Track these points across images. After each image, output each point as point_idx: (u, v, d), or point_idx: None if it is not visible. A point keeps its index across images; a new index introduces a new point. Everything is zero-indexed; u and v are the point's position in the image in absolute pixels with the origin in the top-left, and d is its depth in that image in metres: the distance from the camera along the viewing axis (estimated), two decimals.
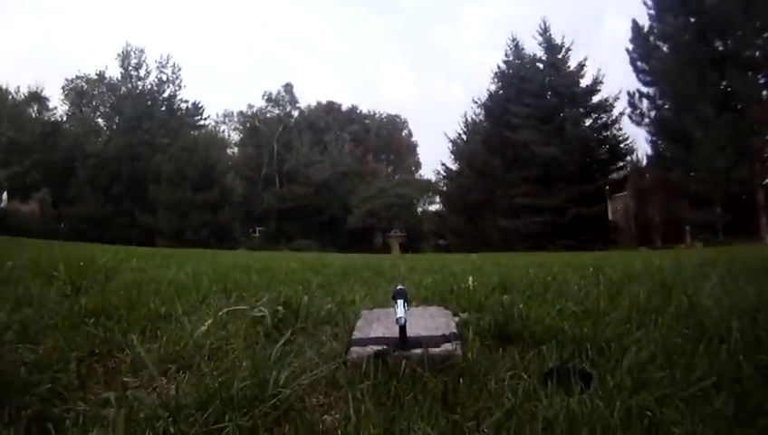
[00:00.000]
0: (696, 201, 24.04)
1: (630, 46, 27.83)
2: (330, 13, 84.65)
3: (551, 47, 34.52)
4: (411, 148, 63.81)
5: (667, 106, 26.69)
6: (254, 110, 56.58)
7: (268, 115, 55.66)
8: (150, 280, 3.03)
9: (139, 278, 3.16)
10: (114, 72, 46.52)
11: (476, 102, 39.02)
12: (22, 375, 1.10)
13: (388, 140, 60.32)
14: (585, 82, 33.39)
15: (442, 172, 41.00)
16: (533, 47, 35.95)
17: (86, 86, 47.40)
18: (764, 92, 23.71)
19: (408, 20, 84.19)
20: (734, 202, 23.53)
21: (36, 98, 47.49)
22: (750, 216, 22.94)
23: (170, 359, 1.33)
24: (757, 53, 23.42)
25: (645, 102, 27.90)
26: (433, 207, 47.56)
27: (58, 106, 48.67)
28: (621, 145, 32.23)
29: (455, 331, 1.34)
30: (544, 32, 34.69)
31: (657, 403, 0.94)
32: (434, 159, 61.84)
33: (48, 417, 0.96)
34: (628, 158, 32.35)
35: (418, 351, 1.14)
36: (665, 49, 26.13)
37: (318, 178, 47.08)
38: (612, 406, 0.90)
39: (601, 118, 33.05)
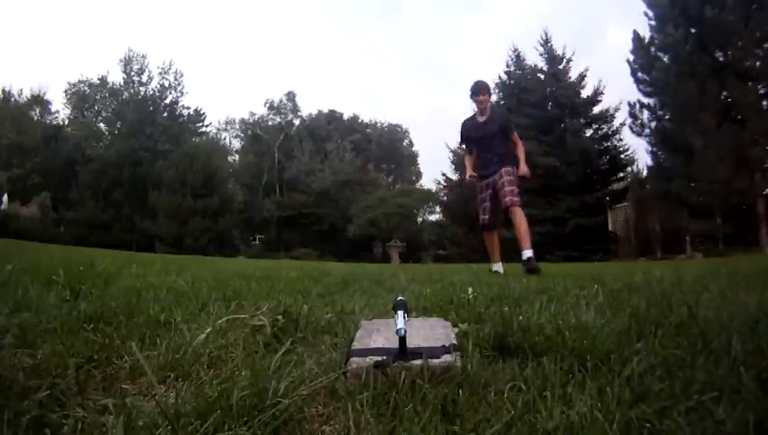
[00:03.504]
0: (697, 212, 24.07)
1: (631, 57, 27.93)
2: (332, 22, 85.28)
3: (552, 58, 34.65)
4: (412, 157, 63.97)
5: (667, 117, 26.76)
6: (256, 117, 56.76)
7: (270, 123, 55.82)
8: (150, 286, 3.03)
9: (138, 284, 3.16)
10: (116, 77, 46.90)
11: None
12: (20, 380, 1.10)
13: (389, 149, 60.48)
14: (586, 92, 33.53)
15: (442, 182, 40.99)
16: (535, 58, 36.12)
17: (88, 90, 47.62)
18: (765, 103, 23.79)
19: (409, 30, 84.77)
20: (735, 213, 23.58)
21: (38, 101, 47.75)
22: (750, 226, 22.96)
23: (169, 367, 1.32)
24: (757, 64, 23.51)
25: (645, 113, 27.99)
26: (433, 217, 47.56)
27: (60, 110, 49.01)
28: (622, 156, 32.34)
29: (454, 342, 1.34)
30: (545, 42, 34.85)
31: (656, 415, 0.93)
32: (434, 168, 61.99)
33: (46, 423, 0.95)
34: (629, 168, 32.45)
35: (418, 362, 1.13)
36: (665, 60, 26.22)
37: (318, 186, 47.16)
38: (612, 418, 0.90)
39: (602, 129, 33.17)
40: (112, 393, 1.14)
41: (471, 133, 6.84)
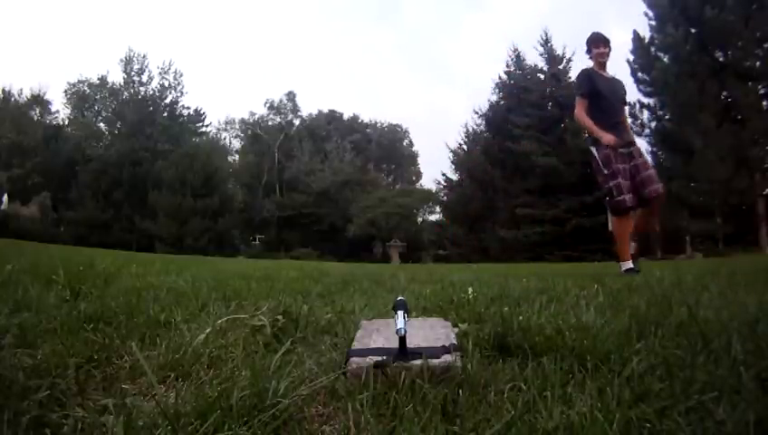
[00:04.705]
0: (697, 212, 24.10)
1: (631, 57, 27.94)
2: (332, 22, 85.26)
3: (552, 58, 34.69)
4: (412, 157, 63.96)
5: (667, 117, 26.79)
6: (256, 117, 56.75)
7: (270, 123, 55.81)
8: (150, 286, 3.03)
9: (138, 284, 3.16)
10: (116, 77, 46.90)
11: (477, 113, 39.18)
12: (20, 380, 1.10)
13: (389, 149, 60.47)
14: None
15: (442, 182, 41.06)
16: (535, 58, 36.16)
17: (88, 90, 47.64)
18: (764, 103, 23.82)
19: (409, 30, 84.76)
20: (735, 213, 23.62)
21: (38, 101, 47.79)
22: (750, 226, 22.98)
23: (169, 367, 1.32)
24: (757, 64, 23.54)
25: (645, 113, 28.04)
26: (433, 217, 47.64)
27: (60, 110, 49.07)
28: None
29: (454, 342, 1.34)
30: (545, 42, 34.90)
31: (656, 415, 0.93)
32: (434, 168, 62.17)
33: (46, 423, 0.95)
34: None
35: (418, 362, 1.13)
36: (665, 60, 26.24)
37: (318, 186, 47.17)
38: (612, 418, 0.90)
39: None
40: (112, 393, 1.14)
41: (601, 85, 5.53)
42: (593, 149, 5.50)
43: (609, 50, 5.68)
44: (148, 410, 0.98)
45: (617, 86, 5.75)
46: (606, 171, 5.36)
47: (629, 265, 5.30)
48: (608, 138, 5.27)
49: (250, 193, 50.97)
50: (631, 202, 5.31)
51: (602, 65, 5.66)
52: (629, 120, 26.75)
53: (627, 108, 5.79)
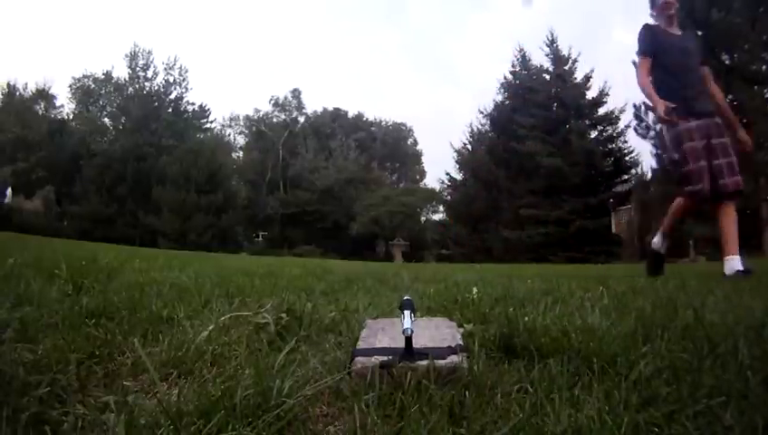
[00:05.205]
0: (700, 215, 24.00)
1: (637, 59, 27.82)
2: (339, 20, 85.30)
3: (557, 59, 34.62)
4: (416, 156, 63.96)
5: None
6: (261, 114, 56.81)
7: (274, 120, 55.88)
8: (153, 282, 3.02)
9: (141, 279, 3.15)
10: (121, 72, 46.90)
11: (482, 112, 39.11)
12: (20, 376, 1.09)
13: (394, 148, 60.47)
14: (591, 93, 33.52)
15: (446, 182, 41.05)
16: (540, 58, 36.10)
17: (93, 85, 47.76)
18: None
19: (415, 29, 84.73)
20: (739, 217, 23.49)
21: (43, 96, 47.91)
22: (754, 230, 22.90)
23: (172, 364, 1.31)
24: (764, 67, 23.45)
25: (650, 115, 27.86)
26: (437, 217, 47.67)
27: (65, 104, 49.17)
28: (626, 158, 32.33)
29: (460, 343, 1.33)
30: (551, 43, 34.82)
31: (664, 419, 0.92)
32: (438, 168, 62.28)
33: (46, 420, 0.94)
34: (633, 171, 32.42)
35: (424, 362, 1.12)
36: None
37: (322, 184, 47.22)
38: (620, 422, 0.89)
39: (607, 130, 33.15)
40: (114, 390, 1.13)
41: (666, 44, 4.62)
42: (663, 129, 4.72)
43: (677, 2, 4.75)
44: (150, 409, 0.97)
45: (690, 43, 4.80)
46: (677, 155, 4.46)
47: (738, 262, 4.28)
48: (661, 107, 4.26)
49: (254, 190, 51.04)
50: (705, 191, 4.41)
51: (670, 19, 4.73)
52: (634, 122, 26.49)
53: (709, 68, 4.79)
